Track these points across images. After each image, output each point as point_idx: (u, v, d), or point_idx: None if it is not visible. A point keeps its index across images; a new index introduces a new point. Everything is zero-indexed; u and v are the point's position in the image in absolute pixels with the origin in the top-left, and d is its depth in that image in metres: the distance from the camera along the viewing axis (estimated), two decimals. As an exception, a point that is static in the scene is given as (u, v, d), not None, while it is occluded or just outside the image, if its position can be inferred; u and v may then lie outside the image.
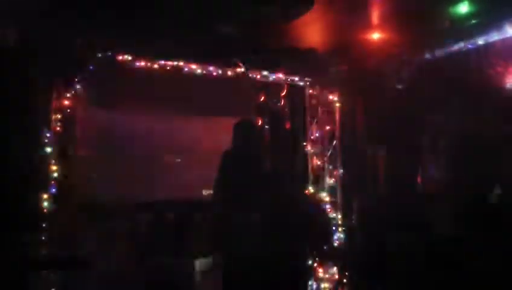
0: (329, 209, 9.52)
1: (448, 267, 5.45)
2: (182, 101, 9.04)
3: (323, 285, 7.49)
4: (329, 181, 9.74)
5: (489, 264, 5.09)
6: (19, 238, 6.47)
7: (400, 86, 8.28)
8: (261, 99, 10.32)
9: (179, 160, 9.39)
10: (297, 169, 9.69)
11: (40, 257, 6.79)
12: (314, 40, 8.46)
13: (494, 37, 6.73)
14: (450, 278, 5.32)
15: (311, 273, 6.96)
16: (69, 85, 7.64)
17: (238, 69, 8.65)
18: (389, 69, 8.35)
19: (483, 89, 6.86)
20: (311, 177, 9.85)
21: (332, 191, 9.71)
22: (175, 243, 6.71)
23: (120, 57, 7.75)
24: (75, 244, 6.90)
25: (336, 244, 8.12)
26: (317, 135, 9.88)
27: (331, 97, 9.72)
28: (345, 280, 7.36)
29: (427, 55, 7.81)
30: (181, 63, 8.22)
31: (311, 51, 8.87)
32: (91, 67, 7.53)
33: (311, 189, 9.71)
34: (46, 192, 7.26)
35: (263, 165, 5.26)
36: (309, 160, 9.94)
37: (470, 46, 7.12)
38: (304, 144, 9.97)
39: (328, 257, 7.22)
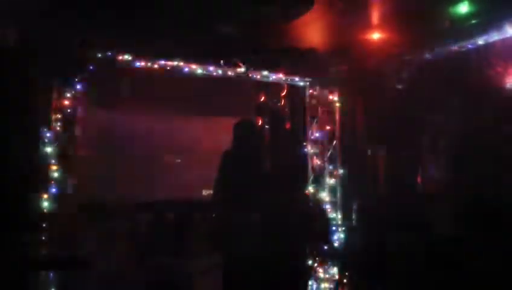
0: (329, 209, 9.54)
1: (448, 267, 5.45)
2: (182, 101, 9.05)
3: (323, 285, 7.48)
4: (329, 181, 9.74)
5: (489, 264, 5.10)
6: (19, 238, 6.47)
7: (399, 86, 8.28)
8: (261, 100, 10.33)
9: (179, 160, 9.39)
10: (297, 169, 9.69)
11: (40, 257, 6.79)
12: (314, 40, 8.46)
13: (494, 37, 6.73)
14: (450, 278, 5.32)
15: (311, 273, 6.96)
16: (69, 85, 7.65)
17: (239, 69, 8.65)
18: (389, 69, 8.35)
19: (483, 89, 6.86)
20: (311, 177, 9.86)
21: (332, 191, 9.73)
22: (175, 243, 6.71)
23: (120, 57, 7.75)
24: (75, 244, 6.90)
25: (335, 244, 8.12)
26: (317, 135, 9.88)
27: (331, 97, 9.72)
28: (345, 280, 7.36)
29: (427, 55, 7.81)
30: (181, 63, 8.22)
31: (311, 51, 8.87)
32: (91, 67, 7.53)
33: (311, 189, 9.71)
34: (46, 192, 7.27)
35: (263, 165, 5.25)
36: (309, 160, 9.95)
37: (469, 46, 7.12)
38: (304, 144, 9.97)
39: (328, 257, 7.22)
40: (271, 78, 9.23)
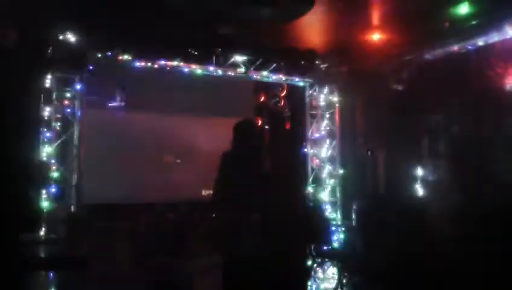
0: (329, 210, 9.55)
1: (448, 267, 5.45)
2: (182, 102, 9.05)
3: (323, 285, 7.48)
4: (329, 181, 9.76)
5: (489, 264, 5.10)
6: (19, 238, 6.47)
7: (399, 87, 8.28)
8: (261, 100, 10.34)
9: (179, 160, 9.38)
10: (297, 169, 9.70)
11: (40, 256, 6.79)
12: (314, 41, 8.47)
13: (494, 38, 6.73)
14: (450, 278, 5.32)
15: (310, 273, 6.96)
16: (69, 85, 7.66)
17: (239, 70, 8.66)
18: (389, 70, 8.35)
19: (483, 89, 6.86)
20: (310, 177, 9.87)
21: (332, 191, 9.74)
22: (175, 243, 6.71)
23: (120, 57, 7.76)
24: (75, 244, 6.90)
25: (335, 244, 8.12)
26: (317, 135, 9.91)
27: (331, 97, 9.74)
28: (344, 280, 7.36)
29: (427, 56, 7.81)
30: (181, 63, 8.22)
31: (311, 52, 8.88)
32: (91, 68, 7.53)
33: (310, 189, 9.72)
34: (46, 192, 7.28)
35: (263, 165, 5.24)
36: (309, 160, 9.97)
37: (469, 47, 7.12)
38: (304, 144, 9.99)
39: (328, 257, 7.21)
40: (271, 79, 9.25)
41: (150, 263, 6.14)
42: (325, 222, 7.75)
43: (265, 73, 8.94)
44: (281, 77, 9.24)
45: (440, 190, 7.38)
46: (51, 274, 6.47)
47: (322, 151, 9.82)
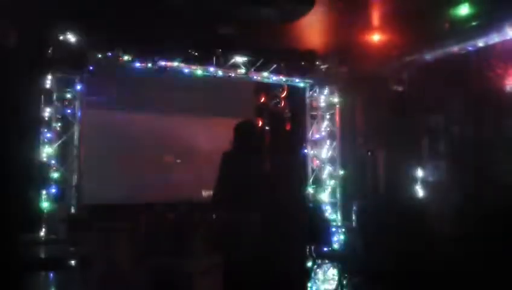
0: (329, 210, 9.54)
1: (448, 267, 5.45)
2: (182, 102, 9.05)
3: (323, 286, 7.48)
4: (329, 182, 9.76)
5: (489, 264, 5.10)
6: (19, 239, 6.47)
7: (399, 88, 8.28)
8: (262, 101, 10.35)
9: (179, 161, 9.38)
10: (297, 170, 9.69)
11: (40, 257, 6.79)
12: (314, 42, 8.47)
13: (494, 38, 6.73)
14: (450, 278, 5.32)
15: (310, 274, 6.95)
16: (69, 85, 7.65)
17: (239, 70, 8.66)
18: (389, 71, 8.35)
19: (483, 90, 6.87)
20: (311, 178, 9.87)
21: (332, 192, 9.74)
22: (175, 243, 6.71)
23: (120, 58, 7.76)
24: (75, 245, 6.89)
25: (335, 245, 8.11)
26: (317, 136, 9.91)
27: (331, 98, 9.74)
28: (344, 281, 7.36)
29: (427, 57, 7.81)
30: (181, 64, 8.22)
31: (311, 52, 8.88)
32: (91, 68, 7.53)
33: (311, 190, 9.72)
34: (46, 192, 7.27)
35: (263, 166, 5.24)
36: (309, 161, 9.96)
37: (470, 48, 7.12)
38: (304, 144, 9.99)
39: (328, 257, 7.21)
40: (271, 80, 9.25)
41: (150, 263, 6.14)
42: (325, 223, 7.75)
43: (265, 74, 8.94)
44: (281, 78, 9.24)
45: (440, 191, 7.38)
46: (51, 275, 6.47)
47: (322, 152, 9.81)
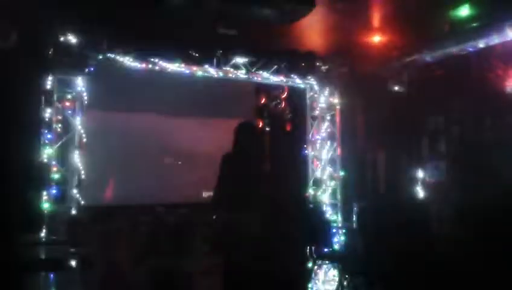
0: (329, 212, 9.54)
1: (449, 268, 5.45)
2: (182, 103, 9.06)
3: (324, 287, 7.48)
4: (330, 183, 9.76)
5: (490, 265, 5.10)
6: (20, 240, 6.47)
7: (400, 89, 8.29)
8: (262, 102, 10.35)
9: (180, 162, 9.38)
10: (297, 171, 9.70)
11: (41, 257, 6.78)
12: (315, 43, 8.48)
13: (495, 40, 6.73)
14: (451, 279, 5.32)
15: (311, 275, 6.95)
16: (70, 86, 7.66)
17: (240, 71, 8.66)
18: (390, 72, 8.36)
19: (483, 91, 6.87)
20: (311, 179, 9.87)
21: (332, 193, 9.74)
22: (175, 244, 6.71)
23: (121, 59, 7.76)
24: (75, 246, 6.89)
25: (336, 246, 8.11)
26: (317, 137, 9.91)
27: (331, 99, 9.74)
28: (345, 282, 7.35)
29: (428, 58, 7.81)
30: (182, 65, 8.23)
31: (311, 53, 8.89)
32: (91, 68, 7.54)
33: (311, 191, 9.72)
34: (46, 193, 7.27)
35: (264, 167, 5.25)
36: (309, 162, 9.96)
37: (470, 49, 7.12)
38: (305, 146, 9.99)
39: (328, 258, 7.21)
40: (272, 81, 9.25)
41: (150, 263, 6.13)
42: (326, 224, 7.75)
43: (266, 75, 8.93)
44: (281, 79, 9.23)
45: (440, 191, 7.38)
46: (51, 275, 6.46)
47: (322, 153, 9.81)
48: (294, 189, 8.92)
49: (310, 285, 6.65)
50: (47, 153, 7.39)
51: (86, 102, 7.75)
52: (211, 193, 4.93)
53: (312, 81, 9.56)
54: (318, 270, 7.27)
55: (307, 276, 6.47)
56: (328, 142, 9.77)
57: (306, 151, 9.93)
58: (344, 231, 8.56)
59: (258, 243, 4.54)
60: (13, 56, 6.42)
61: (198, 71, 8.44)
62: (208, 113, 9.36)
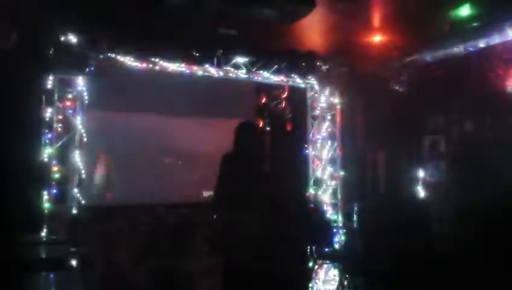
0: (330, 212, 9.54)
1: (448, 267, 5.45)
2: (182, 103, 9.06)
3: (324, 287, 7.48)
4: (330, 183, 9.75)
5: (490, 264, 5.10)
6: (20, 239, 6.47)
7: (400, 88, 8.29)
8: (262, 102, 10.35)
9: (180, 162, 9.38)
10: (297, 170, 9.70)
11: (41, 257, 6.79)
12: (315, 42, 8.48)
13: (495, 39, 6.73)
14: (451, 279, 5.32)
15: (311, 274, 6.95)
16: (70, 86, 7.66)
17: (240, 71, 8.66)
18: (390, 71, 8.36)
19: (483, 91, 6.87)
20: (311, 179, 9.87)
21: (333, 193, 9.74)
22: (175, 244, 6.71)
23: (121, 59, 7.76)
24: (76, 246, 6.90)
25: (336, 246, 8.11)
26: (318, 136, 9.90)
27: (332, 99, 9.74)
28: (345, 282, 7.36)
29: (428, 58, 7.81)
30: (182, 65, 8.22)
31: (312, 53, 8.89)
32: (92, 68, 7.54)
33: (311, 191, 9.72)
34: (47, 193, 7.28)
35: (264, 166, 5.26)
36: (310, 162, 9.96)
37: (471, 48, 7.12)
38: (305, 145, 9.99)
39: (329, 258, 7.21)
40: (272, 80, 9.25)
41: (150, 263, 6.14)
42: (326, 224, 7.75)
43: (266, 74, 8.93)
44: (282, 79, 9.23)
45: (441, 191, 7.38)
46: (52, 275, 6.47)
47: (323, 152, 9.81)
48: (295, 189, 8.93)
49: (310, 285, 6.65)
50: (47, 152, 7.40)
51: (86, 102, 7.75)
52: (211, 193, 4.93)
53: (312, 81, 9.56)
54: (318, 270, 7.28)
55: (307, 276, 6.47)
56: (329, 142, 9.77)
57: (306, 151, 9.93)
58: (344, 231, 8.56)
59: (258, 243, 4.54)
60: (13, 56, 6.42)
61: (199, 71, 8.43)
62: (208, 113, 9.37)
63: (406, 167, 8.10)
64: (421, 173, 7.95)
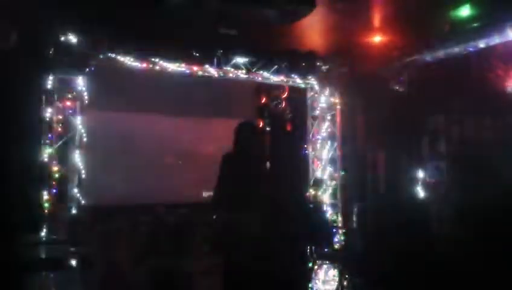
0: (329, 212, 9.54)
1: (448, 267, 5.45)
2: (183, 103, 9.06)
3: (324, 287, 7.48)
4: (330, 183, 9.76)
5: (491, 265, 5.10)
6: (20, 239, 6.47)
7: (400, 89, 8.29)
8: (262, 102, 10.35)
9: (180, 162, 9.38)
10: (297, 171, 9.70)
11: (41, 257, 6.79)
12: (315, 42, 8.48)
13: (495, 40, 6.73)
14: (450, 278, 5.32)
15: (311, 274, 6.96)
16: (70, 86, 7.66)
17: (240, 71, 8.66)
18: (390, 72, 8.36)
19: (483, 91, 6.87)
20: (311, 179, 9.87)
21: (332, 193, 9.74)
22: (175, 244, 6.71)
23: (121, 58, 7.76)
24: (76, 246, 6.90)
25: (336, 246, 8.11)
26: (318, 137, 9.91)
27: (332, 99, 9.74)
28: (345, 282, 7.36)
29: (428, 58, 7.81)
30: (182, 65, 8.22)
31: (312, 53, 8.89)
32: (92, 68, 7.54)
33: (311, 191, 9.72)
34: (47, 193, 7.28)
35: (264, 167, 5.25)
36: (309, 162, 9.96)
37: (471, 49, 7.12)
38: (305, 145, 9.99)
39: (329, 258, 7.21)
40: (272, 80, 9.25)
41: (150, 263, 6.14)
42: (326, 224, 7.75)
43: (266, 74, 8.93)
44: (282, 79, 9.23)
45: (441, 191, 7.38)
46: (52, 275, 6.47)
47: (323, 153, 9.81)
48: (295, 189, 8.92)
49: (310, 285, 6.65)
50: (47, 152, 7.39)
51: (86, 102, 7.75)
52: (211, 193, 4.92)
53: (312, 81, 9.56)
54: (318, 270, 7.28)
55: (307, 276, 6.47)
56: (329, 142, 9.77)
57: (306, 151, 9.93)
58: (344, 231, 8.56)
59: (258, 243, 4.54)
60: (13, 56, 6.42)
61: (199, 71, 8.43)
62: (208, 113, 9.37)
63: (406, 167, 8.09)
64: (421, 173, 7.95)
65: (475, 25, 6.80)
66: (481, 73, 6.90)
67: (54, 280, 6.36)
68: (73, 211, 7.48)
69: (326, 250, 7.25)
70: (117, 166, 8.52)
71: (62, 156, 7.52)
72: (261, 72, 8.85)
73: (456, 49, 7.31)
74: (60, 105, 7.58)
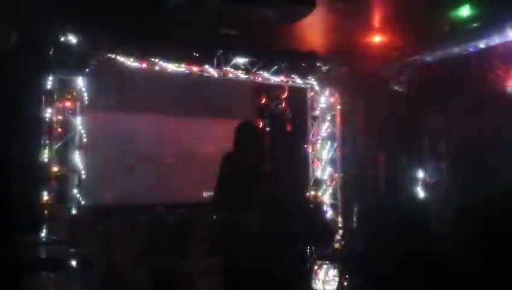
0: (329, 212, 9.54)
1: (448, 267, 5.45)
2: (182, 103, 9.06)
3: (324, 287, 7.48)
4: (330, 183, 9.76)
5: (491, 265, 5.10)
6: (20, 239, 6.47)
7: (400, 89, 8.29)
8: (262, 102, 10.35)
9: (180, 162, 9.38)
10: (297, 171, 9.70)
11: (41, 257, 6.79)
12: (315, 43, 8.48)
13: (495, 40, 6.72)
14: (450, 278, 5.32)
15: (311, 275, 6.95)
16: (70, 86, 7.66)
17: (240, 71, 8.66)
18: (390, 72, 8.35)
19: (484, 91, 6.87)
20: (311, 179, 9.87)
21: (333, 193, 9.74)
22: (175, 244, 6.71)
23: (121, 59, 7.76)
24: (76, 246, 6.90)
25: (336, 246, 8.11)
26: (318, 137, 9.91)
27: (332, 99, 9.74)
28: (345, 283, 7.35)
29: (428, 58, 7.81)
30: (182, 65, 8.23)
31: (312, 54, 8.89)
32: (92, 68, 7.54)
33: (311, 191, 9.72)
34: (47, 193, 7.28)
35: (264, 167, 5.26)
36: (310, 162, 9.96)
37: (471, 49, 7.12)
38: (305, 146, 9.99)
39: (329, 259, 7.21)
40: (272, 81, 9.25)
41: (150, 263, 6.14)
42: (326, 224, 7.75)
43: (266, 75, 8.93)
44: (282, 79, 9.24)
45: (441, 191, 7.38)
46: (52, 275, 6.46)
47: (323, 153, 9.81)
48: (295, 189, 8.93)
49: (310, 285, 6.65)
50: (47, 152, 7.39)
51: (86, 102, 7.75)
52: (211, 193, 4.92)
53: (312, 81, 9.57)
54: (318, 270, 7.28)
55: (307, 276, 6.47)
56: (329, 142, 9.78)
57: (306, 151, 9.93)
58: (344, 231, 8.56)
59: (258, 243, 4.54)
60: (13, 56, 6.42)
61: (199, 71, 8.43)
62: (208, 113, 9.37)
63: (406, 167, 8.09)
64: (421, 173, 7.95)
65: (475, 25, 6.79)
66: (481, 73, 6.89)
67: (54, 280, 6.36)
68: (73, 211, 7.49)
69: (326, 250, 7.25)
70: (117, 166, 8.52)
71: (62, 156, 7.52)
72: (261, 72, 8.85)
73: (456, 49, 7.30)
74: (60, 105, 7.58)
